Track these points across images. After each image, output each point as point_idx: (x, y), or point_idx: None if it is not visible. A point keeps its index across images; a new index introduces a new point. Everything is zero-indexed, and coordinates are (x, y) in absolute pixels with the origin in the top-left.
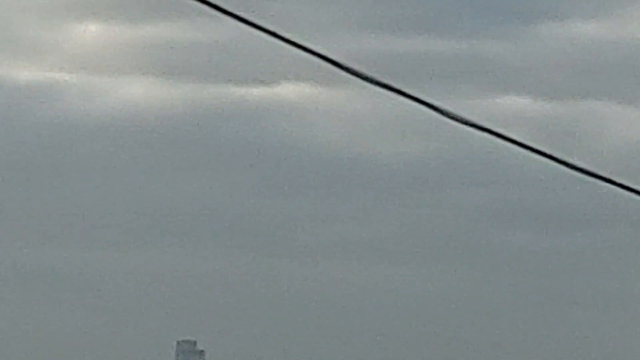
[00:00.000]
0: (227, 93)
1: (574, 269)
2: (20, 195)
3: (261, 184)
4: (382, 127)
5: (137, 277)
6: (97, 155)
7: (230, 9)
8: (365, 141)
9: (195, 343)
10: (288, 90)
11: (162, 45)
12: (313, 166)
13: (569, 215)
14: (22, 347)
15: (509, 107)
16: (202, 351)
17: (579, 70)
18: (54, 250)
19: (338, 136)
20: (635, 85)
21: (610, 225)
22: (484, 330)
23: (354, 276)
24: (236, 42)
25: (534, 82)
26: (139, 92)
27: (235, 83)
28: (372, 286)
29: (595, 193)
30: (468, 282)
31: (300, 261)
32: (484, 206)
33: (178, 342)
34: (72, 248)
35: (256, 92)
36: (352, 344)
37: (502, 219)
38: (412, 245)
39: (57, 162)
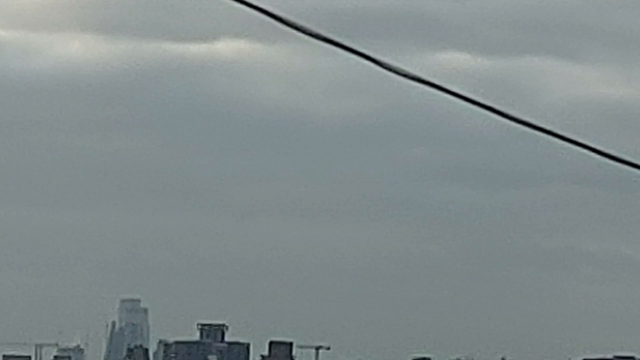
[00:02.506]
0: (165, 50)
1: (517, 225)
2: None
3: (200, 141)
4: (322, 84)
5: (77, 236)
6: (34, 112)
7: None
8: (305, 98)
9: (139, 301)
10: (226, 47)
11: (100, 2)
12: (252, 123)
13: (512, 172)
14: None
15: (448, 63)
16: (145, 309)
17: (518, 27)
18: None
19: (277, 93)
20: (573, 41)
21: (552, 181)
22: (426, 286)
23: (294, 234)
24: None
25: (473, 38)
26: (76, 48)
27: (173, 40)
28: (312, 243)
29: (537, 149)
30: (410, 239)
31: (239, 219)
32: (426, 163)
33: (122, 301)
34: (10, 206)
35: (194, 49)
36: (292, 299)
37: (444, 176)
38: (353, 202)
39: None
